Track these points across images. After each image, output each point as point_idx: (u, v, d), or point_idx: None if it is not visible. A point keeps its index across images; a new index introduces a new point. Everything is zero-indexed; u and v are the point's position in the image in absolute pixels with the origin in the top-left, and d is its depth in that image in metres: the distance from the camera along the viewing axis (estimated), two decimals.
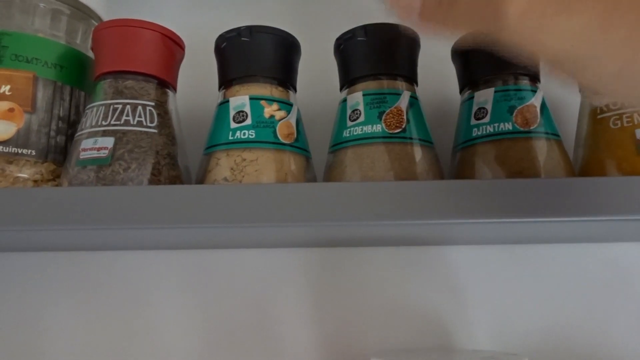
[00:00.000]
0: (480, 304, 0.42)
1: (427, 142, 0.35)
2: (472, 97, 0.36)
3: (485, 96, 0.35)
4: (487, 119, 0.34)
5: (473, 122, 0.35)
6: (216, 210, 0.30)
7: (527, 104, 0.34)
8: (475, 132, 0.35)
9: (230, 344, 0.42)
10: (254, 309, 0.42)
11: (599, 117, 0.35)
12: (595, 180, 0.30)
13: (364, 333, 0.42)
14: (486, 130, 0.34)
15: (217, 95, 0.37)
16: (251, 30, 0.35)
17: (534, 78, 0.36)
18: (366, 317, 0.42)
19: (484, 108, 0.35)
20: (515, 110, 0.34)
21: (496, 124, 0.34)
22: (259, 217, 0.30)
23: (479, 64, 0.36)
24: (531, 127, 0.34)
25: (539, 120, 0.34)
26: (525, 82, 0.35)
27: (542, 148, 0.33)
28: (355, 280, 0.43)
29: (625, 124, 0.34)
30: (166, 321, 0.42)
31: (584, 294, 0.42)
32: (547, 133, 0.34)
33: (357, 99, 0.35)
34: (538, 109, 0.34)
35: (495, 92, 0.35)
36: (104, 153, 0.32)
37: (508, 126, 0.34)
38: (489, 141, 0.34)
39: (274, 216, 0.30)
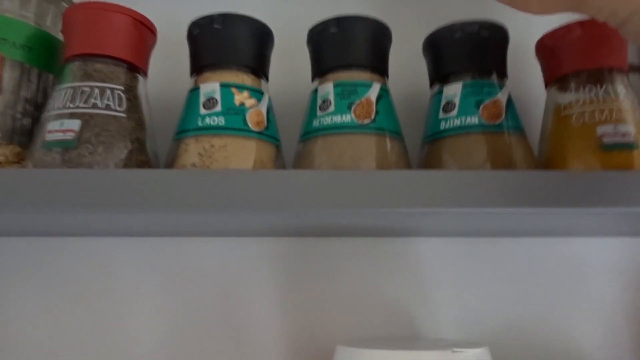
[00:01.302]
0: (444, 295, 0.43)
1: (396, 133, 0.35)
2: (442, 91, 0.37)
3: (453, 90, 0.36)
4: (454, 113, 0.35)
5: (441, 115, 0.36)
6: (183, 195, 0.30)
7: (494, 99, 0.35)
8: (443, 125, 0.36)
9: (198, 332, 0.42)
10: (222, 298, 0.42)
11: (562, 114, 0.36)
12: (559, 174, 0.31)
13: (332, 322, 0.42)
14: (453, 124, 0.35)
15: (188, 83, 0.37)
16: (224, 17, 0.35)
17: (502, 74, 0.37)
18: (334, 306, 0.42)
19: (452, 102, 0.36)
20: (482, 105, 0.35)
21: (463, 117, 0.35)
22: (226, 203, 0.30)
23: (449, 59, 0.37)
24: (496, 122, 0.34)
25: (504, 115, 0.35)
26: (492, 78, 0.36)
27: (506, 142, 0.34)
28: (324, 270, 0.43)
29: (587, 121, 0.35)
30: (134, 309, 0.42)
31: (544, 287, 0.43)
32: (511, 128, 0.35)
33: (327, 89, 0.35)
34: (504, 104, 0.35)
35: (463, 86, 0.36)
36: (70, 135, 0.32)
37: (474, 120, 0.34)
38: (455, 134, 0.35)
39: (241, 202, 0.30)
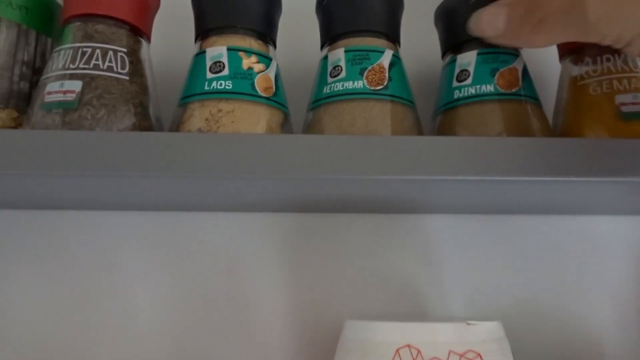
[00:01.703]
0: (454, 273, 0.42)
1: (409, 101, 0.34)
2: (455, 60, 0.36)
3: (468, 58, 0.35)
4: (469, 81, 0.34)
5: (455, 84, 0.35)
6: (189, 160, 0.29)
7: (510, 66, 0.34)
8: (457, 94, 0.34)
9: (201, 309, 0.41)
10: (226, 274, 0.41)
11: (578, 84, 0.35)
12: (577, 141, 0.30)
13: (339, 300, 0.41)
14: (468, 92, 0.34)
15: (192, 50, 0.35)
16: None
17: None
18: (341, 284, 0.41)
19: (466, 70, 0.34)
20: (498, 73, 0.34)
21: (478, 86, 0.34)
22: (233, 168, 0.29)
23: (463, 27, 0.36)
24: (513, 90, 0.33)
25: (520, 83, 0.34)
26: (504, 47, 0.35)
27: (523, 111, 0.33)
28: (331, 247, 0.42)
29: (605, 90, 0.34)
30: (134, 285, 0.41)
31: (557, 265, 0.42)
32: (528, 97, 0.34)
33: (338, 55, 0.34)
34: (520, 73, 0.34)
35: (478, 54, 0.34)
36: (70, 97, 0.30)
37: (490, 88, 0.33)
38: (470, 103, 0.34)
39: (249, 167, 0.29)
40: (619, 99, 0.33)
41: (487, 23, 0.30)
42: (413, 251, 0.42)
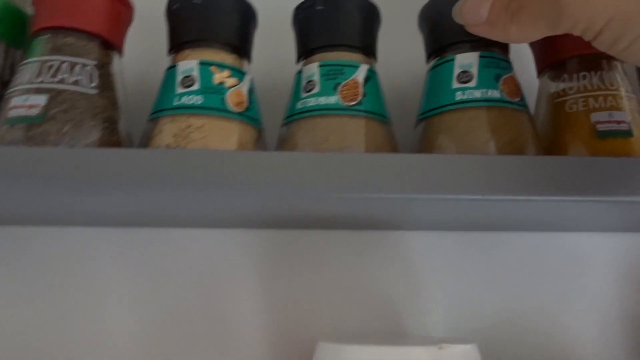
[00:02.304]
0: (434, 291, 0.41)
1: (383, 117, 0.33)
2: (452, 60, 0.33)
3: (469, 59, 0.33)
4: (473, 83, 0.32)
5: (456, 85, 0.32)
6: (154, 177, 0.28)
7: (510, 74, 0.33)
8: (460, 96, 0.32)
9: (177, 326, 0.40)
10: (202, 291, 0.40)
11: (555, 101, 0.35)
12: (558, 159, 0.30)
13: (317, 317, 0.40)
14: (473, 95, 0.32)
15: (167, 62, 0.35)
16: None
17: (507, 48, 0.35)
18: (320, 301, 0.40)
19: (468, 72, 0.32)
20: (501, 79, 0.32)
21: (484, 90, 0.32)
22: (202, 184, 0.28)
23: (459, 26, 0.32)
24: (515, 99, 0.32)
25: (520, 93, 0.33)
26: (503, 53, 0.34)
27: (525, 121, 0.32)
28: (309, 263, 0.41)
29: (580, 108, 0.33)
30: (108, 303, 0.40)
31: (538, 283, 0.42)
32: (526, 107, 0.33)
33: (313, 70, 0.33)
34: (518, 82, 0.34)
35: (480, 56, 0.33)
36: (34, 111, 0.29)
37: (496, 93, 0.32)
38: (476, 107, 0.32)
39: (216, 183, 0.28)
40: (595, 117, 0.32)
41: (470, 9, 0.30)
42: (393, 268, 0.41)
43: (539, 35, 0.28)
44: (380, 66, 0.37)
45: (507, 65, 0.33)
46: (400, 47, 0.43)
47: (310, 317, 0.40)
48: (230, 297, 0.40)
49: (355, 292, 0.41)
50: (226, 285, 0.40)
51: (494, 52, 0.33)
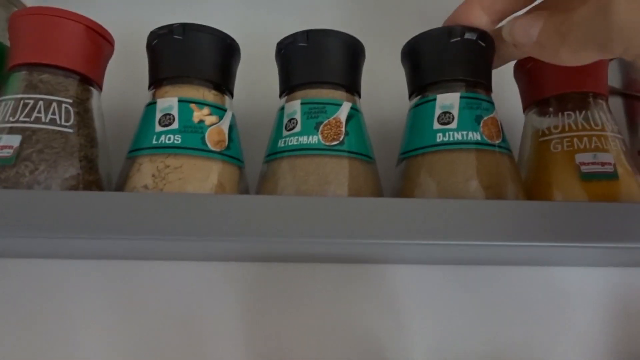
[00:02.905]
0: (419, 325, 0.41)
1: (366, 156, 0.33)
2: (434, 99, 0.33)
3: (450, 100, 0.32)
4: (454, 125, 0.32)
5: (437, 126, 0.32)
6: (130, 221, 0.27)
7: (491, 115, 0.32)
8: (440, 138, 0.32)
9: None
10: (180, 325, 0.39)
11: (540, 140, 0.35)
12: (540, 204, 0.29)
13: (299, 352, 0.39)
14: (454, 137, 0.31)
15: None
16: (185, 27, 0.33)
17: (490, 90, 0.34)
18: (301, 335, 0.40)
19: (449, 113, 0.32)
20: (482, 121, 0.32)
21: (465, 132, 0.31)
22: (180, 229, 0.28)
23: (444, 64, 0.33)
24: (496, 141, 0.32)
25: (501, 134, 0.33)
26: (485, 93, 0.33)
27: (506, 163, 0.32)
28: (291, 297, 0.40)
29: (565, 148, 0.33)
30: (85, 335, 0.39)
31: (523, 318, 0.41)
32: (507, 149, 0.33)
33: (294, 107, 0.33)
34: (500, 124, 0.33)
35: (461, 97, 0.32)
36: (7, 152, 0.29)
37: (476, 136, 0.31)
38: (456, 150, 0.31)
39: (194, 229, 0.28)
40: (579, 158, 0.32)
41: (520, 29, 0.29)
42: (376, 302, 0.41)
43: (589, 58, 0.27)
44: (364, 102, 0.36)
45: (489, 106, 0.33)
46: (386, 82, 0.43)
47: (292, 351, 0.39)
48: (209, 330, 0.39)
49: (338, 326, 0.40)
50: (205, 318, 0.40)
51: (476, 93, 0.33)
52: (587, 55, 0.27)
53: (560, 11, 0.28)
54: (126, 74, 0.40)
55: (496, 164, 0.31)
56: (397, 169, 0.35)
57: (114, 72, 0.37)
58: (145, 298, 0.40)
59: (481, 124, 0.32)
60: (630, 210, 0.28)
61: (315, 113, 0.32)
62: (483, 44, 0.33)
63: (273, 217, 0.28)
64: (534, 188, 0.34)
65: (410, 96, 0.36)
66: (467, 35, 0.33)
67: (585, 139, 0.33)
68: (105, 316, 0.39)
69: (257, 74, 0.41)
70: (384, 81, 0.43)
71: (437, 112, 0.32)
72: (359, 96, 0.35)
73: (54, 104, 0.31)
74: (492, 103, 0.33)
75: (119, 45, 0.36)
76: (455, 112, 0.32)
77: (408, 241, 0.29)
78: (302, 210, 0.29)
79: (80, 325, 0.39)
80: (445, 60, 0.33)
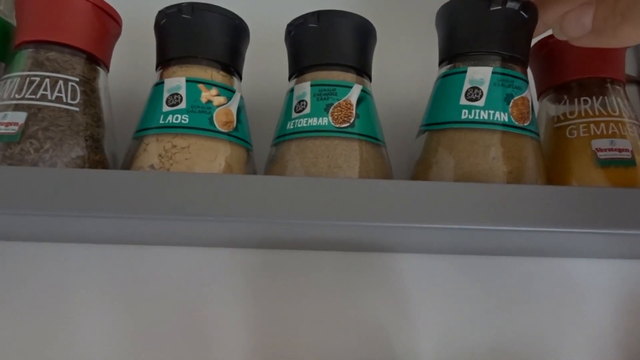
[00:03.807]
0: (426, 315, 0.40)
1: (376, 139, 0.32)
2: (465, 72, 0.31)
3: (481, 74, 0.30)
4: (481, 102, 0.30)
5: (463, 101, 0.30)
6: (137, 200, 0.27)
7: (523, 95, 0.31)
8: (466, 114, 0.30)
9: (158, 348, 0.38)
10: (185, 312, 0.39)
11: (555, 125, 0.34)
12: (557, 189, 0.28)
13: (302, 342, 0.39)
14: (480, 116, 0.30)
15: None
16: (193, 7, 0.32)
17: (526, 65, 0.32)
18: (306, 325, 0.39)
19: (478, 88, 0.30)
20: (512, 100, 0.30)
21: (492, 111, 0.30)
22: (185, 209, 0.27)
23: (480, 34, 0.31)
24: (524, 124, 0.30)
25: (531, 116, 0.31)
26: (521, 70, 0.31)
27: (531, 148, 0.30)
28: (296, 285, 0.40)
29: (581, 134, 0.32)
30: (88, 320, 0.38)
31: (534, 310, 0.40)
32: (535, 133, 0.31)
33: (304, 89, 0.32)
34: (531, 104, 0.31)
35: (493, 72, 0.30)
36: (12, 129, 0.28)
37: (504, 117, 0.30)
38: (480, 129, 0.29)
39: (201, 210, 0.27)
40: (596, 144, 0.31)
41: (571, 22, 0.28)
42: (383, 291, 0.40)
43: None
44: (375, 85, 0.36)
45: (522, 84, 0.31)
46: (398, 65, 0.42)
47: (296, 341, 0.39)
48: (212, 318, 0.39)
49: (344, 315, 0.40)
50: (209, 305, 0.39)
51: (510, 69, 0.31)
52: None
53: None
54: (134, 54, 0.40)
55: (521, 148, 0.30)
56: (417, 140, 0.33)
57: (121, 53, 0.37)
58: (148, 284, 0.39)
59: (511, 104, 0.30)
60: None
61: (325, 95, 0.32)
62: (525, 15, 0.31)
63: (281, 198, 0.28)
64: (549, 175, 0.33)
65: (440, 64, 0.34)
66: (509, 5, 0.30)
67: (602, 125, 0.32)
68: (108, 302, 0.39)
69: (266, 58, 0.40)
70: (396, 64, 0.42)
71: (466, 86, 0.31)
72: (370, 79, 0.35)
73: (60, 82, 0.30)
74: (526, 81, 0.31)
75: (126, 25, 0.36)
76: (485, 88, 0.30)
77: (418, 225, 0.28)
78: (311, 192, 0.28)
79: (82, 311, 0.39)
80: (482, 29, 0.31)
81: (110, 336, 0.38)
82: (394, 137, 0.39)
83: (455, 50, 0.32)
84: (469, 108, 0.30)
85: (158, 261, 0.40)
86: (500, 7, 0.30)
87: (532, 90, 0.38)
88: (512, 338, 0.40)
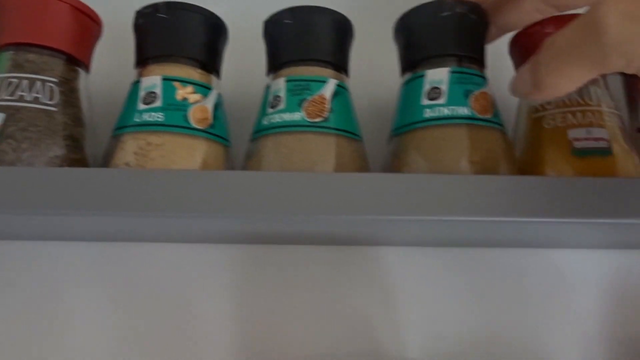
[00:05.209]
0: (412, 309, 0.40)
1: (352, 134, 0.32)
2: (423, 76, 0.32)
3: (439, 75, 0.32)
4: (442, 100, 0.31)
5: (425, 102, 0.31)
6: (111, 198, 0.27)
7: (483, 90, 0.31)
8: (428, 113, 0.31)
9: (146, 344, 0.39)
10: (172, 308, 0.40)
11: (534, 116, 0.34)
12: (535, 179, 0.28)
13: (288, 336, 0.39)
14: (441, 112, 0.31)
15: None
16: (169, 6, 0.32)
17: (483, 65, 0.33)
18: (291, 319, 0.39)
19: (438, 88, 0.31)
20: (472, 95, 0.31)
21: (453, 107, 0.31)
22: (162, 206, 0.28)
23: (434, 40, 0.33)
24: (487, 116, 0.31)
25: (493, 109, 0.32)
26: (477, 68, 0.33)
27: (497, 139, 0.31)
28: (281, 280, 0.40)
29: (558, 124, 0.32)
30: (77, 319, 0.39)
31: (520, 302, 0.40)
32: (499, 124, 0.32)
33: (279, 85, 0.33)
34: (491, 98, 0.32)
35: (451, 72, 0.31)
36: None
37: (465, 111, 0.30)
38: (444, 125, 0.30)
39: (180, 206, 0.28)
40: (572, 133, 0.31)
41: (518, 81, 0.27)
42: (368, 285, 0.40)
43: (588, 76, 0.24)
44: (357, 82, 0.36)
45: (480, 81, 0.32)
46: (379, 61, 0.42)
47: (283, 335, 0.39)
48: (199, 313, 0.39)
49: (330, 309, 0.40)
50: (195, 301, 0.40)
51: (466, 67, 0.32)
52: (585, 75, 0.24)
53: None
54: (116, 55, 0.40)
55: (486, 139, 0.31)
56: (388, 147, 0.34)
57: (104, 53, 0.37)
58: (136, 280, 0.40)
59: (471, 99, 0.31)
60: (621, 185, 0.27)
61: (299, 90, 0.32)
62: (474, 17, 0.32)
63: (257, 193, 0.28)
64: (527, 165, 0.33)
65: (403, 73, 0.35)
66: (458, 9, 0.32)
67: (579, 114, 0.31)
68: (97, 299, 0.39)
69: (246, 55, 0.41)
70: (377, 61, 0.42)
71: (426, 87, 0.32)
72: (347, 74, 0.35)
73: (38, 83, 0.31)
74: (484, 78, 0.33)
75: (108, 26, 0.36)
76: (444, 87, 0.31)
77: (392, 217, 0.28)
78: (287, 186, 0.28)
79: (71, 308, 0.39)
80: (435, 35, 0.33)
81: (98, 332, 0.39)
82: (378, 133, 0.39)
83: (414, 57, 0.33)
84: (431, 107, 0.31)
85: (146, 258, 0.40)
86: (450, 13, 0.32)
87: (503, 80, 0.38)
88: (499, 329, 0.40)
